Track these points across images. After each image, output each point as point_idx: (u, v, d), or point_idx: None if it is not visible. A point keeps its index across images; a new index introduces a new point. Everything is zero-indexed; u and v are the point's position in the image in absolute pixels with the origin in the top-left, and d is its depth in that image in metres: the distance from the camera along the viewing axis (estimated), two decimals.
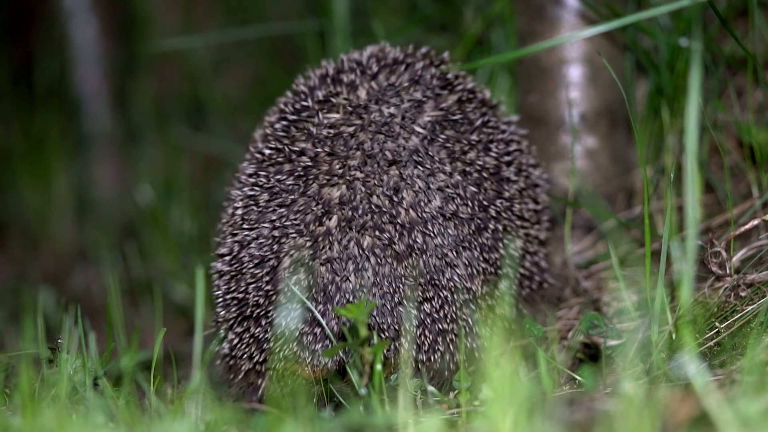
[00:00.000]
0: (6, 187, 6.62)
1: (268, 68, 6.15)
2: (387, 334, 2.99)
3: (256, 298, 3.05)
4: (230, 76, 6.77)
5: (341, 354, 3.00)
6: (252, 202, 3.09)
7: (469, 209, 3.06)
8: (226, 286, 3.12)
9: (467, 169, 3.10)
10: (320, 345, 3.00)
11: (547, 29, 3.82)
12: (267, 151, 3.12)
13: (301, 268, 2.99)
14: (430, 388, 3.01)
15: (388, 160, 3.02)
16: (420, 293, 3.00)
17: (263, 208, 3.07)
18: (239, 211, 3.11)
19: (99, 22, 6.60)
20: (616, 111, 3.84)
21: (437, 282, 3.01)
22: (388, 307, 2.98)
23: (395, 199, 3.00)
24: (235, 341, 3.12)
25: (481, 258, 3.06)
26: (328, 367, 3.02)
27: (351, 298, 2.97)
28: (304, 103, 3.17)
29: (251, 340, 3.08)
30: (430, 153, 3.06)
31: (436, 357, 3.04)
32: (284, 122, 3.15)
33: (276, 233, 3.03)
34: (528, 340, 3.11)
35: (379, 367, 2.80)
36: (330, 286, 2.98)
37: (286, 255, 3.01)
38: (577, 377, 3.05)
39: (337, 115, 3.11)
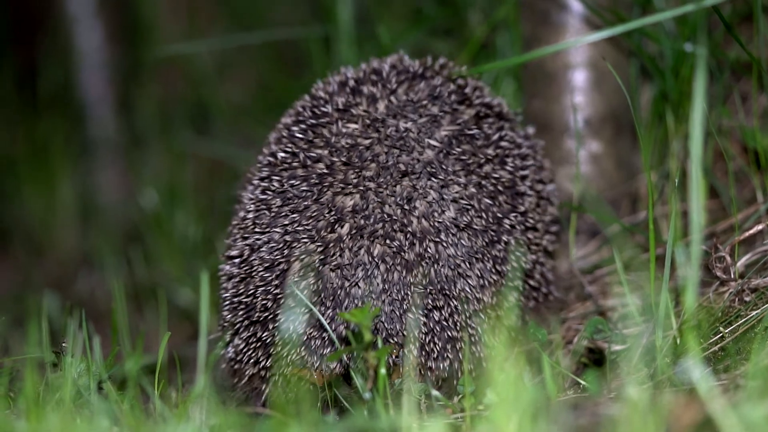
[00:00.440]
0: (10, 192, 6.63)
1: (273, 73, 6.15)
2: (395, 340, 3.00)
3: (264, 302, 3.05)
4: (234, 82, 6.77)
5: (345, 358, 3.00)
6: (264, 206, 3.09)
7: (483, 221, 3.07)
8: (234, 289, 3.12)
9: (482, 182, 3.10)
10: (328, 349, 3.00)
11: (551, 34, 3.82)
12: (281, 155, 3.12)
13: (310, 273, 2.99)
14: (435, 392, 3.01)
15: (401, 172, 3.03)
16: (430, 301, 3.00)
17: (276, 213, 3.07)
18: (251, 215, 3.11)
19: (103, 27, 6.61)
20: (620, 116, 3.84)
21: (448, 292, 3.02)
22: (397, 313, 2.99)
23: (407, 208, 3.00)
24: (241, 346, 3.12)
25: (493, 270, 3.07)
26: (336, 371, 3.02)
27: (359, 304, 2.97)
28: (324, 109, 3.17)
29: (258, 345, 3.08)
30: (445, 165, 3.07)
31: (444, 365, 3.04)
32: (302, 126, 3.15)
33: (287, 238, 3.03)
34: (532, 345, 3.12)
35: (383, 371, 2.80)
36: (339, 292, 2.98)
37: (297, 259, 3.01)
38: (581, 382, 3.04)
39: (355, 126, 3.11)
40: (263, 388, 3.12)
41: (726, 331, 3.03)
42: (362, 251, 2.99)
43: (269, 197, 3.09)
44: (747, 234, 3.25)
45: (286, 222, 3.05)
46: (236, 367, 3.16)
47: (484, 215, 3.08)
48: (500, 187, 3.14)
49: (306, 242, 3.01)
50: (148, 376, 3.15)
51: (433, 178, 3.05)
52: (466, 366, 3.01)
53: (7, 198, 6.66)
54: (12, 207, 6.62)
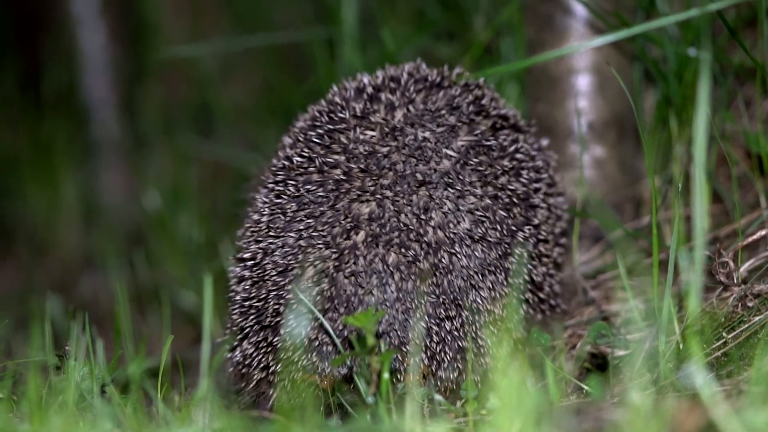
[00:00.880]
0: (13, 193, 6.64)
1: (276, 76, 6.15)
2: (407, 349, 3.00)
3: (276, 307, 3.04)
4: (238, 84, 6.78)
5: (351, 362, 3.00)
6: (279, 210, 3.08)
7: (497, 233, 3.07)
8: (245, 293, 3.11)
9: (498, 193, 3.10)
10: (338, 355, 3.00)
11: (555, 38, 3.82)
12: (297, 159, 3.12)
13: (324, 279, 2.99)
14: (438, 397, 3.01)
15: (419, 181, 3.03)
16: (443, 311, 3.00)
17: (291, 217, 3.06)
18: (265, 218, 3.10)
19: (107, 29, 6.62)
20: (624, 120, 3.84)
21: (461, 302, 3.02)
22: (411, 322, 2.99)
23: (423, 218, 3.00)
24: (251, 350, 3.11)
25: (505, 282, 3.07)
26: (342, 375, 3.02)
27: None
28: (341, 115, 3.16)
29: (269, 349, 3.08)
30: (461, 176, 3.07)
31: (453, 375, 3.04)
32: (318, 131, 3.14)
33: (302, 243, 3.03)
34: (535, 350, 3.12)
35: (386, 375, 2.81)
36: (353, 299, 2.98)
37: (311, 265, 3.01)
38: (584, 387, 3.04)
39: (373, 133, 3.11)
40: (271, 392, 3.12)
41: (729, 336, 3.03)
42: (377, 259, 2.99)
43: (284, 201, 3.09)
44: (750, 239, 3.25)
45: (301, 227, 3.04)
46: (243, 371, 3.16)
47: (498, 227, 3.08)
48: (515, 199, 3.14)
49: (321, 248, 3.01)
50: (151, 380, 3.15)
51: (449, 189, 3.05)
52: (469, 371, 3.01)
53: (10, 198, 6.67)
54: (15, 207, 6.62)
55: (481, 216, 3.05)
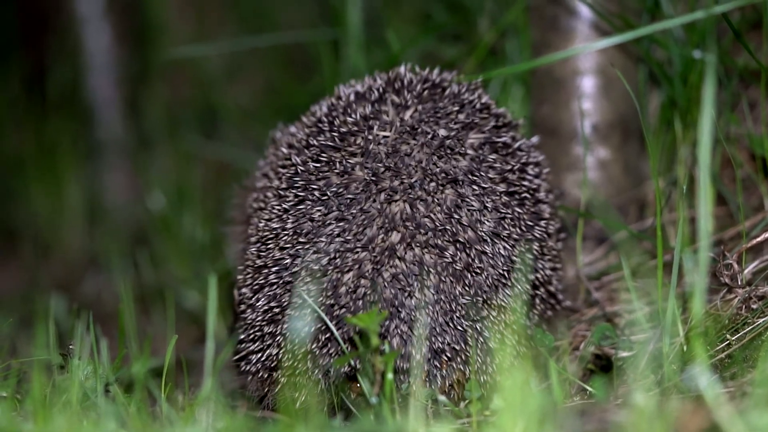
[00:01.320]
0: (18, 194, 6.64)
1: (281, 76, 6.16)
2: (447, 355, 3.00)
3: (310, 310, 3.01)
4: (243, 84, 6.78)
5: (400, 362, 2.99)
6: (302, 214, 3.06)
7: (517, 230, 3.08)
8: (273, 301, 3.09)
9: (511, 189, 3.10)
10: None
11: (560, 40, 3.82)
12: (313, 164, 3.09)
13: (365, 283, 2.97)
14: (441, 397, 3.01)
15: (446, 179, 3.02)
16: (475, 312, 3.00)
17: (321, 222, 3.04)
18: (289, 224, 3.08)
19: (112, 29, 6.62)
20: (628, 122, 3.84)
21: (491, 302, 3.02)
22: (451, 325, 2.99)
23: (455, 217, 3.00)
24: (275, 354, 3.08)
25: (523, 279, 3.07)
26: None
27: (414, 315, 2.96)
28: (350, 118, 3.15)
29: (303, 356, 3.04)
30: (482, 173, 3.06)
31: (486, 378, 3.04)
32: (329, 134, 3.13)
33: (337, 247, 3.01)
34: (539, 350, 3.12)
35: (390, 375, 2.81)
36: (394, 302, 2.97)
37: (350, 270, 2.99)
38: (588, 388, 3.05)
39: (388, 133, 3.09)
40: (296, 396, 3.09)
41: (733, 338, 3.03)
42: (416, 261, 2.98)
43: (308, 206, 3.06)
44: (754, 241, 3.25)
45: (336, 231, 3.02)
46: (266, 376, 3.13)
47: (517, 223, 3.08)
48: (527, 195, 3.14)
49: (358, 251, 2.99)
50: (155, 379, 3.15)
51: (474, 186, 3.05)
52: (473, 371, 3.01)
53: (14, 199, 6.67)
54: (19, 208, 6.63)
55: (503, 213, 3.06)
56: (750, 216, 3.59)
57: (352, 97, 3.22)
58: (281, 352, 3.06)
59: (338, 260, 2.99)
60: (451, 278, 2.98)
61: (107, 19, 6.59)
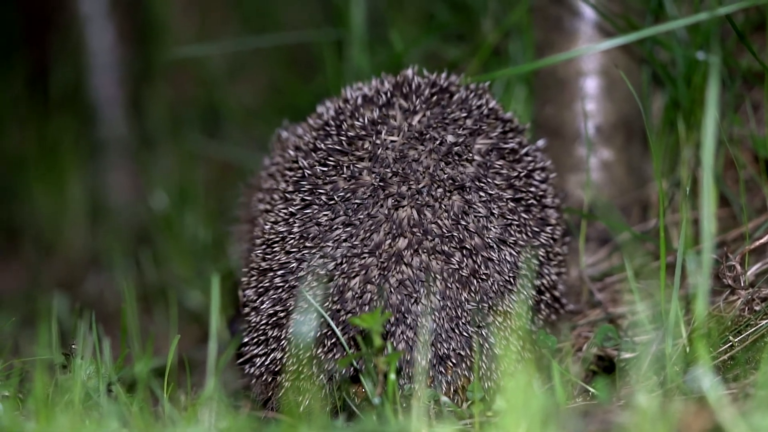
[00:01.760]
0: (20, 192, 6.65)
1: (284, 76, 6.16)
2: (453, 361, 3.00)
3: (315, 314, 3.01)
4: (246, 84, 6.78)
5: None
6: (309, 218, 3.06)
7: (524, 236, 3.07)
8: (277, 304, 3.09)
9: (518, 195, 3.10)
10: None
11: (564, 41, 3.82)
12: (320, 168, 3.08)
13: (372, 288, 2.97)
14: (444, 398, 3.01)
15: (453, 185, 3.01)
16: (482, 318, 3.00)
17: (328, 227, 3.04)
18: (296, 228, 3.08)
19: (115, 28, 6.62)
20: (632, 123, 3.84)
21: (496, 308, 3.02)
22: (457, 331, 2.99)
23: (463, 223, 3.00)
24: (279, 358, 3.08)
25: (530, 284, 3.07)
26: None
27: (420, 321, 2.96)
28: (358, 122, 3.14)
29: (308, 360, 3.04)
30: (489, 179, 3.06)
31: (490, 384, 3.04)
32: (336, 138, 3.13)
33: (344, 252, 3.00)
34: (542, 352, 3.12)
35: (393, 376, 2.81)
36: (400, 308, 2.97)
37: (357, 275, 2.99)
38: (591, 389, 3.04)
39: (396, 138, 3.09)
40: (300, 399, 3.08)
41: (736, 340, 3.03)
42: (422, 267, 2.97)
43: (315, 211, 3.06)
44: (757, 243, 3.25)
45: (342, 236, 3.03)
46: (270, 380, 3.13)
47: (523, 230, 3.08)
48: (533, 201, 3.14)
49: (365, 257, 2.99)
50: (158, 379, 3.15)
51: (480, 192, 3.04)
52: (476, 372, 3.01)
53: (17, 197, 6.67)
54: (22, 207, 6.63)
55: (510, 219, 3.05)
56: (753, 217, 3.58)
57: (359, 101, 3.20)
58: (286, 356, 3.06)
59: (345, 265, 2.99)
60: (457, 284, 2.98)
61: (110, 17, 6.59)
